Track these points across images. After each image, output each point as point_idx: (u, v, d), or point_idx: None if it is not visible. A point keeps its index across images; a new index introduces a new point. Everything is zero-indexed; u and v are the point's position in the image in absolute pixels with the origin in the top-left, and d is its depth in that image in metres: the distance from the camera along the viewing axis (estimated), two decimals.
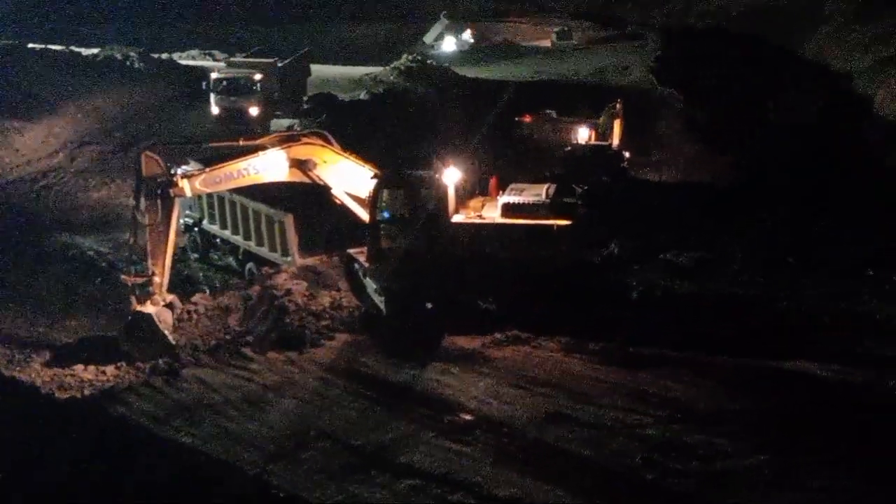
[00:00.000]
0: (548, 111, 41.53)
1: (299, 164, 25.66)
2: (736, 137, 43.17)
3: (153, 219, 24.38)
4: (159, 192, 24.26)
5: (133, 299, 24.86)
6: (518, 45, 74.32)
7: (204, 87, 46.63)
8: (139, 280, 24.68)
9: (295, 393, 21.01)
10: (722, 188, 37.18)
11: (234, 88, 46.17)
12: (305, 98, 50.44)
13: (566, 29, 75.64)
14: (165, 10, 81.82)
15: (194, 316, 26.47)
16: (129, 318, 24.90)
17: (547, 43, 75.42)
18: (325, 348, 23.55)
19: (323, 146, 26.19)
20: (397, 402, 20.22)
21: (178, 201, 24.93)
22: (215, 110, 46.10)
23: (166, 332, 24.54)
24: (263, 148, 25.73)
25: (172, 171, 24.49)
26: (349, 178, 26.15)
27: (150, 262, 24.55)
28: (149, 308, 24.56)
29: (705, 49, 59.38)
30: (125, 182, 37.02)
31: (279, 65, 48.70)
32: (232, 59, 52.13)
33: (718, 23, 66.70)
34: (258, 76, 46.19)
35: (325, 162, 25.97)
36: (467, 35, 78.20)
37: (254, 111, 45.33)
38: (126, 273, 25.71)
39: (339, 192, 26.20)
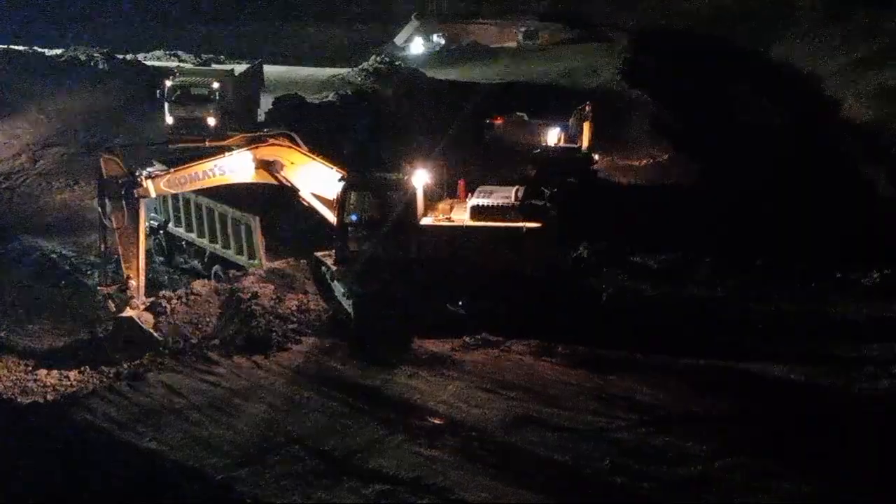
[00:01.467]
0: (519, 113, 41.52)
1: (266, 166, 25.47)
2: (705, 140, 43.38)
3: (120, 222, 24.19)
4: (123, 193, 24.03)
5: (111, 306, 24.77)
6: (486, 47, 74.42)
7: (158, 95, 44.29)
8: (114, 288, 24.63)
9: (261, 397, 20.77)
10: (691, 191, 37.36)
11: (190, 97, 43.81)
12: (260, 110, 48.80)
13: (532, 29, 75.88)
14: (130, 9, 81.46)
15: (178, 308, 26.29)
16: (112, 325, 24.76)
17: (513, 44, 75.65)
18: (292, 352, 23.31)
19: (290, 147, 25.98)
20: (366, 407, 20.03)
21: (143, 202, 24.69)
22: (170, 120, 43.47)
23: (151, 331, 24.50)
24: (230, 149, 25.51)
25: (137, 173, 24.27)
26: (316, 180, 25.94)
27: (123, 266, 24.43)
28: (129, 312, 24.50)
29: (675, 51, 59.72)
30: (89, 184, 36.60)
31: (236, 73, 47.34)
32: (186, 66, 50.35)
33: (688, 25, 67.09)
34: (216, 85, 44.09)
35: (292, 163, 25.76)
36: (438, 37, 78.32)
37: (211, 121, 42.84)
38: (102, 283, 25.55)
39: (307, 194, 26.00)
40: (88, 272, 30.75)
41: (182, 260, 32.11)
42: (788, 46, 58.26)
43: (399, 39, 78.43)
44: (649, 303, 25.43)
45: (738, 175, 37.26)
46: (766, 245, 28.66)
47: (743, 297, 25.64)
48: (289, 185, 25.81)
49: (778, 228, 30.27)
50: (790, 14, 61.29)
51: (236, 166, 25.35)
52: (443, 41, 77.66)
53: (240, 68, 50.14)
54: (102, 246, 25.07)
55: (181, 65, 53.66)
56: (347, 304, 24.60)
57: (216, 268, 29.94)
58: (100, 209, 24.85)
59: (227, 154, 25.29)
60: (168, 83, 44.32)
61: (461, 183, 26.48)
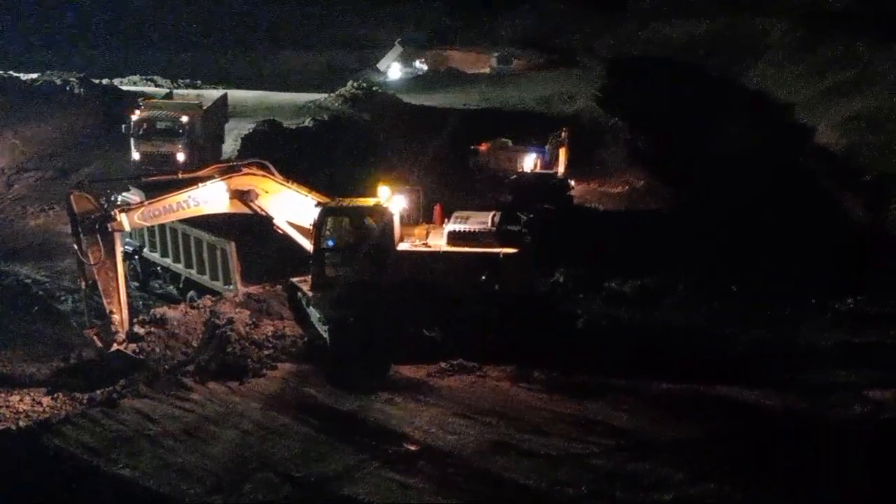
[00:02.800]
0: (504, 139, 41.66)
1: (240, 195, 25.47)
2: (680, 166, 43.62)
3: (97, 257, 24.16)
4: (97, 227, 23.99)
5: (97, 342, 24.77)
6: (463, 73, 74.73)
7: (123, 129, 41.91)
8: (98, 328, 24.73)
9: (236, 424, 20.65)
10: (667, 216, 37.51)
11: (157, 132, 41.43)
12: (224, 145, 46.69)
13: (506, 54, 76.36)
14: (108, 34, 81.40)
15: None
16: (103, 362, 24.63)
17: (487, 69, 76.08)
18: (267, 378, 23.19)
19: (264, 176, 25.98)
20: (341, 433, 19.93)
21: (118, 235, 24.62)
22: (136, 156, 41.08)
23: (141, 358, 24.66)
24: (203, 180, 25.46)
25: (113, 198, 24.21)
26: (291, 208, 25.94)
27: (105, 300, 24.40)
28: (115, 347, 24.57)
29: (650, 78, 60.08)
30: (64, 209, 36.36)
31: (204, 107, 44.99)
32: (153, 99, 46.89)
33: (662, 52, 67.52)
34: (185, 118, 41.65)
35: (266, 192, 25.78)
36: (420, 62, 78.74)
37: (180, 157, 40.37)
38: (90, 325, 25.50)
39: (282, 222, 25.98)
40: (62, 298, 30.57)
41: (157, 285, 32.00)
42: (762, 74, 58.67)
43: (382, 65, 78.79)
44: (625, 328, 25.46)
45: (713, 201, 37.49)
46: (741, 271, 28.78)
47: (718, 323, 25.71)
48: (263, 213, 25.79)
49: (753, 254, 30.39)
50: (763, 42, 61.79)
51: (210, 197, 25.33)
52: (425, 67, 78.06)
53: (214, 93, 48.64)
54: (83, 284, 24.98)
55: (149, 95, 50.72)
56: (323, 330, 24.50)
57: (191, 293, 29.83)
58: (76, 246, 24.74)
59: (200, 185, 25.26)
60: (134, 117, 41.95)
61: (437, 208, 26.52)
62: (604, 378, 22.25)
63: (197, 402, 21.88)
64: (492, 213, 25.33)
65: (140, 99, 46.53)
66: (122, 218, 24.32)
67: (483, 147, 41.01)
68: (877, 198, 37.95)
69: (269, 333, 25.51)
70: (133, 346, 25.08)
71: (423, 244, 24.73)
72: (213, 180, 25.45)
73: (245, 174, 25.83)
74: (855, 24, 55.42)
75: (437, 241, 24.64)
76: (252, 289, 28.07)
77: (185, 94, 56.21)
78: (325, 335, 24.40)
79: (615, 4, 78.36)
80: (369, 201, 25.06)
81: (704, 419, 20.32)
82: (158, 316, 27.04)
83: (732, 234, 32.11)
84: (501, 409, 20.90)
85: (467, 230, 24.30)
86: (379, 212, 24.44)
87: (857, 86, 49.15)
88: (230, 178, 25.60)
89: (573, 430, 19.84)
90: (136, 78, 66.49)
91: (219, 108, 47.56)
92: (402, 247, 24.56)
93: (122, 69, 67.69)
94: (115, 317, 24.56)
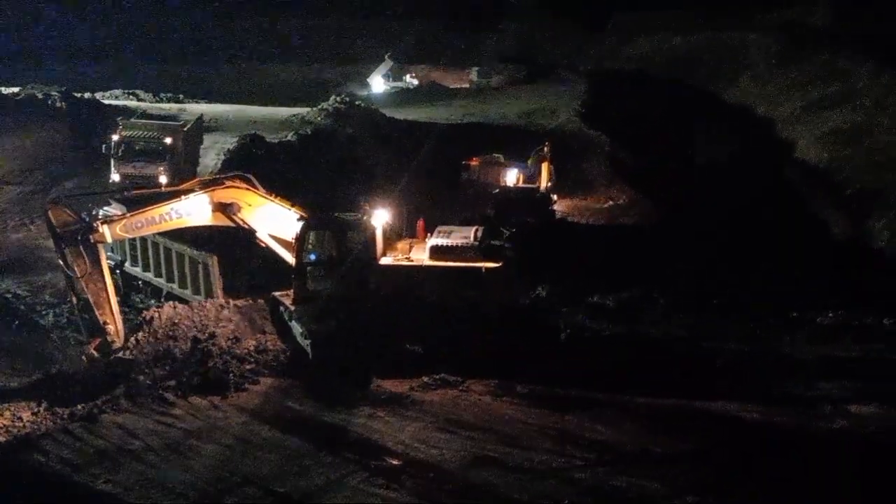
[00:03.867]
0: (496, 154, 41.72)
1: (223, 208, 25.44)
2: (661, 181, 43.77)
3: (83, 269, 24.01)
4: (80, 238, 23.88)
5: (94, 354, 24.56)
6: (446, 88, 75.01)
7: (104, 149, 40.92)
8: (96, 343, 24.50)
9: (218, 438, 20.56)
10: (648, 230, 37.61)
11: (139, 152, 40.56)
12: (200, 165, 45.45)
13: (486, 68, 76.73)
14: (95, 48, 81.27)
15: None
16: (105, 369, 24.47)
17: (467, 84, 76.46)
18: (249, 392, 23.14)
19: (247, 189, 25.97)
20: (324, 447, 19.86)
21: (102, 247, 24.53)
22: (116, 177, 40.11)
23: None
24: (186, 193, 25.43)
25: (95, 213, 24.12)
26: (274, 221, 25.95)
27: (97, 312, 24.27)
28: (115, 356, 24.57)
29: (631, 93, 60.33)
30: (44, 223, 36.28)
31: (185, 129, 44.08)
32: (132, 119, 45.86)
33: (644, 67, 67.77)
34: (168, 140, 40.88)
35: (249, 205, 25.80)
36: (410, 77, 79.12)
37: (163, 179, 38.77)
38: (87, 342, 25.20)
39: (264, 236, 25.98)
40: (43, 312, 30.39)
41: (139, 299, 31.83)
42: (743, 89, 58.93)
43: (372, 79, 79.18)
44: (607, 342, 25.50)
45: (696, 215, 37.63)
46: (723, 284, 28.88)
47: (699, 336, 25.79)
48: (246, 227, 25.77)
49: (735, 267, 30.50)
50: (744, 57, 62.10)
51: (193, 209, 25.30)
52: (416, 81, 78.40)
53: (196, 107, 48.26)
54: (74, 299, 24.81)
55: (127, 116, 49.39)
56: (306, 344, 24.46)
57: None
58: (60, 261, 24.60)
59: (183, 197, 25.23)
60: (115, 137, 41.06)
61: (420, 223, 26.56)
62: (586, 391, 22.30)
63: (178, 416, 21.79)
64: (474, 228, 25.39)
65: (119, 119, 46.04)
66: (105, 229, 24.22)
67: (474, 162, 41.09)
68: (858, 212, 38.16)
69: (252, 348, 25.45)
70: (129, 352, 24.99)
71: (406, 258, 24.76)
72: (196, 193, 25.40)
73: (228, 187, 25.83)
74: (835, 40, 55.80)
75: (420, 256, 24.67)
76: (235, 303, 27.98)
77: (168, 108, 56.03)
78: (308, 349, 24.36)
79: (597, 20, 78.71)
80: (351, 215, 25.06)
81: (687, 432, 20.37)
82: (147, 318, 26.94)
83: (714, 247, 32.22)
84: (484, 423, 20.91)
85: (450, 244, 24.35)
86: (361, 226, 24.44)
87: (837, 101, 49.42)
88: (213, 190, 25.59)
89: (555, 443, 19.85)
90: (118, 92, 66.28)
91: (197, 128, 47.35)
92: (384, 261, 24.57)
93: (104, 83, 67.45)
94: (110, 327, 24.45)
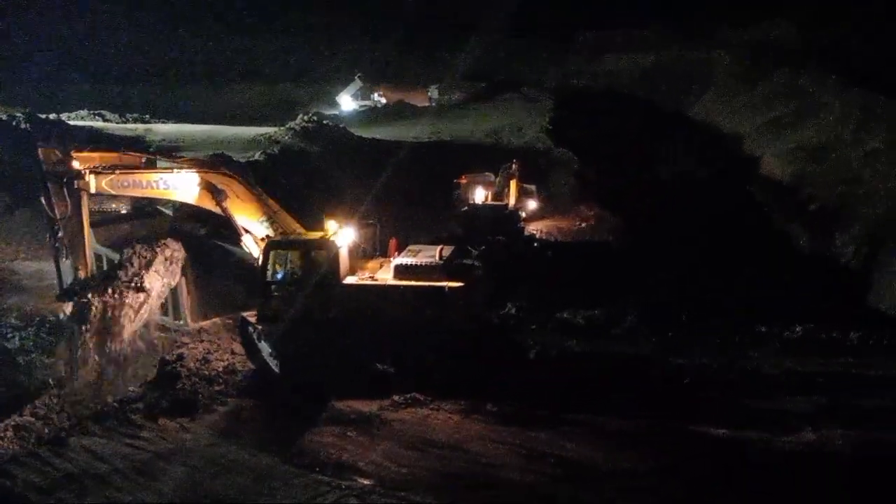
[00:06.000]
0: (487, 173, 41.83)
1: (212, 190, 25.48)
2: (628, 197, 44.02)
3: (63, 212, 24.27)
4: (65, 181, 24.11)
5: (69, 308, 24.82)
6: (413, 106, 75.22)
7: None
8: (69, 298, 24.68)
9: (187, 460, 20.43)
10: (615, 247, 37.78)
11: None
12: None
13: (444, 85, 77.18)
14: (59, 69, 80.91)
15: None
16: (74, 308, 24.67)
17: (432, 102, 76.81)
18: (218, 414, 23.01)
19: (239, 182, 26.07)
20: (293, 468, 19.80)
21: (85, 195, 24.61)
22: None
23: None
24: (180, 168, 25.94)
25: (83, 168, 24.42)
26: (255, 223, 26.08)
27: (72, 259, 24.53)
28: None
29: (598, 110, 60.73)
30: (10, 245, 36.03)
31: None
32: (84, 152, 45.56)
33: (610, 84, 68.29)
34: None
35: (237, 197, 25.89)
36: (378, 95, 79.36)
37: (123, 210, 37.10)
38: (59, 299, 25.49)
39: (249, 241, 26.11)
40: (9, 335, 30.07)
41: None
42: (708, 106, 59.53)
43: (340, 98, 79.29)
44: (575, 359, 25.57)
45: (662, 231, 37.86)
46: (690, 300, 29.05)
47: (667, 353, 25.91)
48: (228, 216, 25.79)
49: (702, 283, 30.70)
50: (709, 75, 62.70)
51: (181, 184, 25.63)
52: (384, 100, 78.59)
53: (163, 128, 47.98)
54: (52, 241, 24.95)
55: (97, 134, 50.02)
56: (274, 364, 24.38)
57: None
58: (44, 200, 24.69)
59: (175, 170, 25.60)
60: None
61: (392, 242, 26.59)
62: (555, 410, 22.32)
63: (147, 439, 21.63)
64: (440, 247, 25.42)
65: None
66: (91, 178, 24.43)
67: (464, 180, 41.27)
68: (822, 227, 38.54)
69: (220, 369, 25.32)
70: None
71: (370, 277, 24.74)
72: (188, 169, 25.76)
73: (222, 173, 26.06)
74: (797, 58, 56.47)
75: (386, 275, 24.66)
76: (203, 323, 27.88)
77: (134, 128, 55.68)
78: (276, 369, 24.28)
79: (562, 37, 79.31)
80: (316, 234, 25.06)
81: (655, 449, 20.42)
82: None
83: (682, 263, 32.44)
84: (454, 442, 20.91)
85: (414, 263, 24.35)
86: (325, 245, 24.45)
87: (800, 117, 50.00)
88: (207, 172, 25.89)
89: (524, 461, 19.88)
90: (83, 113, 65.92)
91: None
92: (349, 280, 24.55)
93: (69, 103, 67.09)
94: (81, 274, 24.61)
